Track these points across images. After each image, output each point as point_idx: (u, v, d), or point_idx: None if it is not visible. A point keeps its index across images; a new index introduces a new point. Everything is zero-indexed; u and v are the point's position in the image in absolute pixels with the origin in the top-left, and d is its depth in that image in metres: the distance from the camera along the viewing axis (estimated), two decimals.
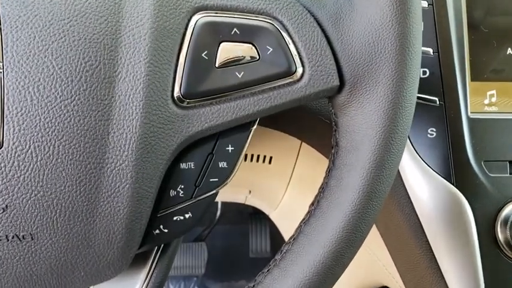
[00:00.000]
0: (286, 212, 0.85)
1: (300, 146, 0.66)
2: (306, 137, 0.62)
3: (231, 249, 1.29)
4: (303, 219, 0.37)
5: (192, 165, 0.35)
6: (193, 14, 0.34)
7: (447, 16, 0.52)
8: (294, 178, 0.73)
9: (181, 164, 0.35)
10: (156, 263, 0.40)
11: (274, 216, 0.93)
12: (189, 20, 0.33)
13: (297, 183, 0.74)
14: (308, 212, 0.37)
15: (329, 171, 0.36)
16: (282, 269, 0.36)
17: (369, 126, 0.34)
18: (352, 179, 0.34)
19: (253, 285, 0.36)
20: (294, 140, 0.64)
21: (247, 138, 0.36)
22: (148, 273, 0.39)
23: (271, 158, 0.70)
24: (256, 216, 1.21)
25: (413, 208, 0.52)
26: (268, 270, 0.36)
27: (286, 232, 0.95)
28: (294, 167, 0.70)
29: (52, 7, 0.31)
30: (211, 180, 0.36)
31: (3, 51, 0.31)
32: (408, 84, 0.34)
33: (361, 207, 0.34)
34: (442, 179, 0.51)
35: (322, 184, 0.37)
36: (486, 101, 0.53)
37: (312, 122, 0.56)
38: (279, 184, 0.76)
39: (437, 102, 0.51)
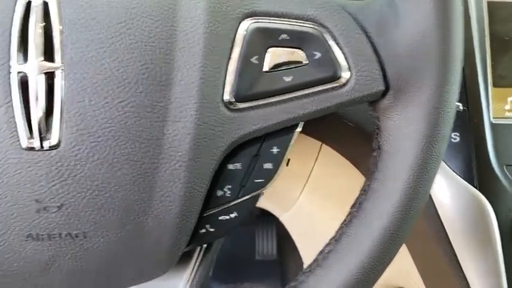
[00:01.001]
0: (300, 214, 0.85)
1: (320, 148, 0.67)
2: (328, 138, 0.63)
3: (237, 251, 1.30)
4: (344, 221, 0.38)
5: (238, 166, 0.36)
6: (243, 19, 0.34)
7: (470, 25, 0.54)
8: (311, 180, 0.74)
9: (228, 165, 0.36)
10: (200, 262, 0.41)
11: (285, 219, 0.93)
12: (238, 26, 0.34)
13: (313, 185, 0.75)
14: (349, 213, 0.38)
15: (372, 174, 0.37)
16: (325, 268, 0.37)
17: (413, 130, 0.35)
18: (396, 182, 0.36)
19: (295, 285, 0.37)
20: (314, 142, 0.65)
21: (292, 140, 0.37)
22: (192, 271, 0.40)
23: (289, 159, 0.71)
24: (264, 218, 1.22)
25: (436, 211, 0.53)
26: (310, 270, 0.37)
27: (298, 234, 0.96)
28: (312, 169, 0.71)
29: (109, 10, 0.32)
30: (256, 181, 0.37)
31: (63, 53, 0.31)
32: (450, 88, 0.35)
33: (405, 208, 0.35)
34: (465, 182, 0.52)
35: (363, 187, 0.38)
36: (507, 107, 0.54)
37: (334, 124, 0.57)
38: (294, 186, 0.77)
39: (461, 108, 0.52)
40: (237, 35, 0.34)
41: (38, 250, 0.33)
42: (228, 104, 0.34)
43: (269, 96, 0.35)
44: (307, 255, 0.90)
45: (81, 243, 0.33)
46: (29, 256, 0.33)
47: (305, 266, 0.39)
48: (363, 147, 0.61)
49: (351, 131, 0.55)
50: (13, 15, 0.31)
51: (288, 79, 0.35)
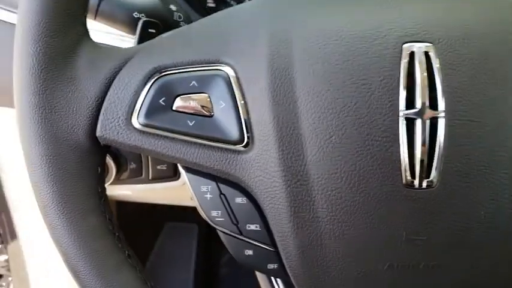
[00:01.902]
0: None
1: None
2: None
3: None
4: None
5: None
6: None
7: None
8: None
9: None
10: None
11: None
12: None
13: None
14: None
15: None
16: None
17: None
18: None
19: None
20: None
21: None
22: None
23: None
24: None
25: None
26: None
27: None
28: None
29: (481, 55, 0.35)
30: None
31: (445, 99, 0.34)
32: None
33: None
34: None
35: None
36: None
37: None
38: None
39: None
40: None
41: (393, 279, 0.36)
42: None
43: None
44: None
45: (433, 274, 0.36)
46: (382, 284, 0.37)
47: None
48: None
49: None
50: (400, 63, 0.34)
51: None
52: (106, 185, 0.62)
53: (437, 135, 0.34)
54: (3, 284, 1.24)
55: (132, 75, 0.36)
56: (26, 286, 0.92)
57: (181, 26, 0.49)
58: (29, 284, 0.91)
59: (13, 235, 0.94)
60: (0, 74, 0.52)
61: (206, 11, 0.57)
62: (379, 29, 0.35)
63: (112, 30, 0.50)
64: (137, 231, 1.08)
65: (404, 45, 0.35)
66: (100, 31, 0.51)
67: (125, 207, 0.96)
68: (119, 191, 0.76)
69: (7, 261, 1.19)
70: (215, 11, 0.43)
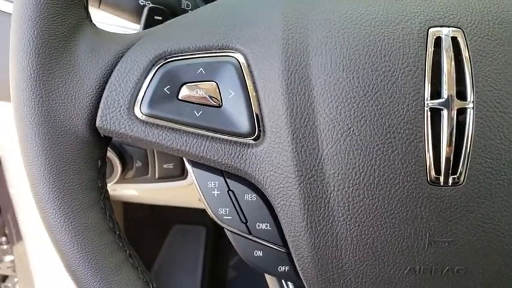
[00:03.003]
0: None
1: None
2: None
3: None
4: None
5: None
6: None
7: None
8: None
9: None
10: None
11: None
12: None
13: None
14: None
15: None
16: None
17: None
18: None
19: None
20: None
21: None
22: None
23: None
24: None
25: None
26: None
27: None
28: None
29: None
30: None
31: (474, 89, 0.31)
32: None
33: None
34: None
35: None
36: None
37: None
38: None
39: None
40: None
41: (415, 284, 0.34)
42: None
43: None
44: None
45: (458, 279, 0.33)
46: None
47: None
48: None
49: None
50: (425, 49, 0.32)
51: None
52: (110, 184, 0.60)
53: (466, 128, 0.31)
54: (9, 284, 1.23)
55: (135, 61, 0.34)
56: (31, 287, 0.91)
57: None
58: (34, 285, 0.89)
59: (19, 236, 0.93)
60: (2, 67, 0.50)
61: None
62: (403, 12, 0.33)
63: (115, 21, 0.48)
64: (144, 233, 1.06)
65: (430, 30, 0.32)
66: (101, 22, 0.49)
67: (132, 209, 0.95)
68: (125, 190, 0.73)
69: (13, 261, 1.17)
70: None
